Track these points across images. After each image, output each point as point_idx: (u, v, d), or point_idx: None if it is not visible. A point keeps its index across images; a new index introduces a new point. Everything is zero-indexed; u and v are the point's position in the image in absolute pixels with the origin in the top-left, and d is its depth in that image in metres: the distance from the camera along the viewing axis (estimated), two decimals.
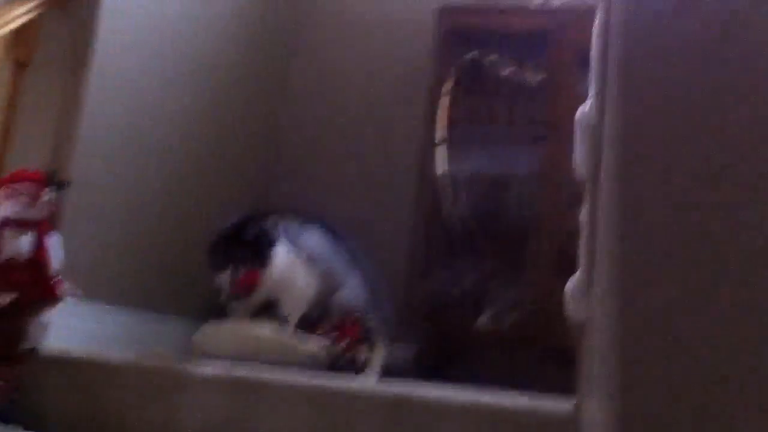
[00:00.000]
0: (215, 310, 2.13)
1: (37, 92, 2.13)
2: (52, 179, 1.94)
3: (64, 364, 1.91)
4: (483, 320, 2.71)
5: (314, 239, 2.24)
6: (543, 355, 2.61)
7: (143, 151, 2.43)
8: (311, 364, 1.97)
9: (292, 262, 2.12)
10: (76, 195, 2.09)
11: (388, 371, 2.18)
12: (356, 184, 3.06)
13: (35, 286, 1.88)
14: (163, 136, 2.52)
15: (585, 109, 1.39)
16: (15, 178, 1.92)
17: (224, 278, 2.06)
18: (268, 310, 2.11)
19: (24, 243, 1.88)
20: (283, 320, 2.08)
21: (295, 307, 2.11)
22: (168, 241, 2.55)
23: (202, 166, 2.72)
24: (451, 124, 2.85)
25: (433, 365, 2.54)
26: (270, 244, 2.09)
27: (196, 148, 2.69)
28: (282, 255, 2.11)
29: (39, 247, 1.90)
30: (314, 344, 2.02)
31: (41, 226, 1.92)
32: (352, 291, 2.19)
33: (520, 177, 2.86)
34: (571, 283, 1.45)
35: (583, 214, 1.45)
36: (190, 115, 2.64)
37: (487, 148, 2.93)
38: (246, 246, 2.07)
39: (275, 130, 3.14)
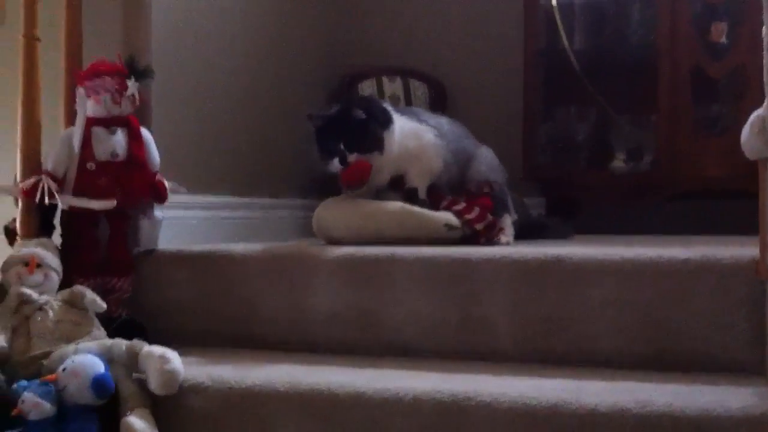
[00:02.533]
0: (329, 186, 1.97)
1: None
2: (134, 69, 1.76)
3: (184, 260, 1.83)
4: (616, 161, 2.48)
5: (436, 117, 2.02)
6: (691, 197, 2.38)
7: (223, 27, 2.23)
8: (442, 236, 1.80)
9: (415, 136, 1.91)
10: (160, 84, 1.92)
11: (524, 233, 2.01)
12: (458, 27, 2.78)
13: (139, 185, 1.76)
14: (241, 7, 2.31)
15: None
16: (94, 73, 1.75)
17: (334, 165, 1.86)
18: (395, 187, 1.92)
19: (118, 142, 1.74)
20: (410, 193, 1.90)
21: (423, 178, 1.91)
22: (264, 121, 2.40)
23: (283, 35, 2.51)
24: None
25: (568, 216, 2.35)
26: (384, 123, 1.86)
27: (276, 15, 2.47)
28: (403, 130, 1.89)
29: (134, 145, 1.76)
30: (444, 217, 1.83)
31: (131, 122, 1.77)
32: (479, 164, 1.97)
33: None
34: (754, 117, 1.21)
35: (765, 32, 1.20)
36: None
37: None
38: (356, 129, 1.85)
39: None
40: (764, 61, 1.19)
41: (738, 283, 1.41)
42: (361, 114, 1.85)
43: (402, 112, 1.95)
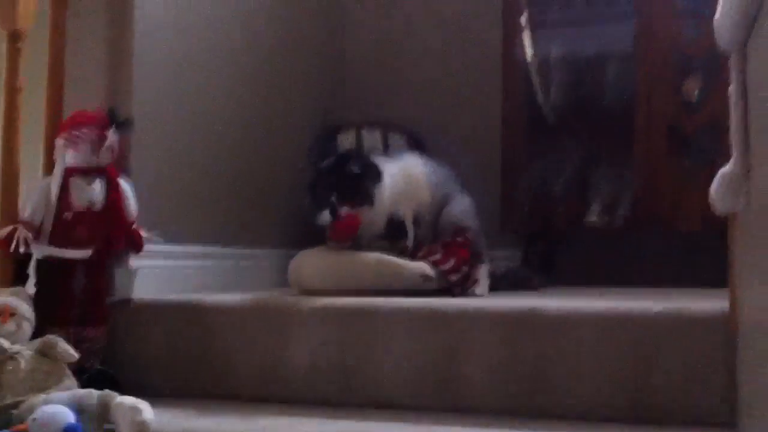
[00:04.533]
0: (308, 238, 1.97)
1: (82, 22, 1.94)
2: (114, 119, 1.78)
3: (159, 310, 1.83)
4: (592, 215, 2.50)
5: (418, 161, 2.04)
6: (663, 247, 2.40)
7: (206, 77, 2.25)
8: (418, 287, 1.81)
9: (403, 172, 1.95)
10: (141, 134, 1.93)
11: (497, 284, 2.02)
12: (437, 80, 2.82)
13: (115, 235, 1.76)
14: (226, 58, 2.33)
15: None
16: (75, 122, 1.76)
17: (325, 217, 1.87)
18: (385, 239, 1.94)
19: (96, 191, 1.74)
20: (403, 248, 1.91)
21: (408, 206, 1.94)
22: (244, 171, 2.39)
23: (270, 85, 2.53)
24: (532, 3, 2.59)
25: (541, 270, 2.36)
26: (375, 178, 1.89)
27: (262, 63, 2.50)
28: (393, 174, 1.92)
29: (112, 194, 1.77)
30: (420, 268, 1.84)
31: (110, 172, 1.77)
32: (459, 205, 1.99)
33: (615, 55, 2.60)
34: (723, 172, 1.23)
35: (732, 90, 1.23)
36: (253, 29, 2.44)
37: (574, 27, 2.67)
38: (349, 183, 1.87)
39: (342, 28, 2.91)
40: (731, 119, 1.22)
41: (710, 337, 1.42)
42: (355, 168, 1.87)
43: (389, 158, 1.98)
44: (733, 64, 1.23)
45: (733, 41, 1.19)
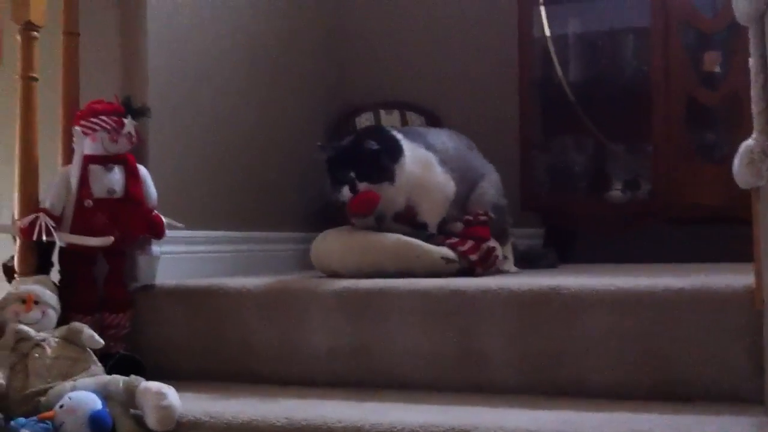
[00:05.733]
0: (330, 219, 1.97)
1: (96, 12, 1.94)
2: (130, 108, 1.78)
3: (181, 296, 1.84)
4: (613, 191, 2.48)
5: (442, 137, 2.02)
6: (687, 224, 2.38)
7: (221, 64, 2.25)
8: (439, 269, 1.80)
9: (424, 167, 1.91)
10: (157, 123, 1.93)
11: (517, 262, 2.02)
12: (453, 58, 2.80)
13: (136, 222, 1.76)
14: (238, 43, 2.33)
15: None
16: (91, 112, 1.77)
17: (344, 194, 1.86)
18: (405, 219, 1.92)
19: (115, 179, 1.75)
20: (420, 227, 1.90)
21: (433, 212, 1.92)
22: (263, 156, 2.40)
23: (282, 69, 2.53)
24: None
25: (561, 250, 2.35)
26: (394, 155, 1.86)
27: (274, 51, 2.49)
28: (413, 160, 1.89)
29: (131, 182, 1.77)
30: (441, 250, 1.83)
31: (128, 160, 1.78)
32: (487, 186, 1.98)
33: (632, 30, 2.57)
34: (745, 147, 1.22)
35: (752, 63, 1.21)
36: (262, 15, 2.43)
37: (591, 3, 2.64)
38: (368, 159, 1.84)
39: (352, 11, 2.90)
40: (752, 92, 1.20)
41: (734, 313, 1.41)
42: (373, 144, 1.85)
43: (409, 137, 1.95)
44: (752, 36, 1.22)
45: (750, 14, 1.17)
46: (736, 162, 1.25)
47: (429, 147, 1.94)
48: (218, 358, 1.77)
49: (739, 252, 1.52)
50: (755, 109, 1.19)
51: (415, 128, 2.35)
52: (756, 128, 1.19)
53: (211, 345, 1.78)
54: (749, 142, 1.20)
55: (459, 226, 1.91)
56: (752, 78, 1.20)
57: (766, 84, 1.18)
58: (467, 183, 1.96)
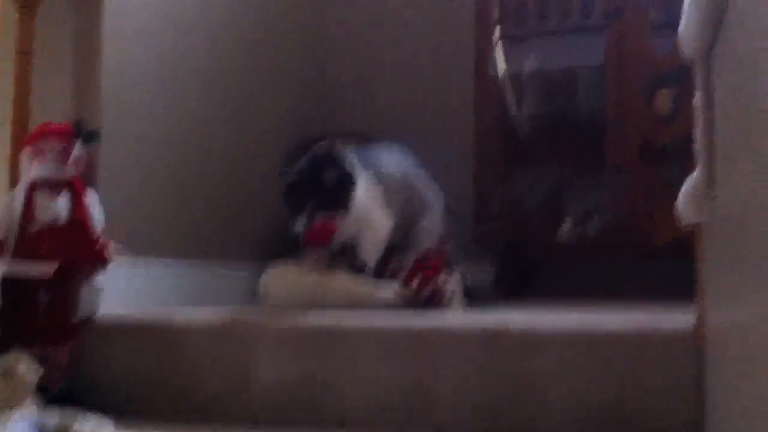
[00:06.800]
0: (280, 250, 1.95)
1: (49, 34, 1.92)
2: (80, 131, 1.75)
3: (125, 328, 1.79)
4: (564, 230, 2.49)
5: (393, 162, 2.01)
6: (640, 259, 2.40)
7: (177, 87, 2.23)
8: (390, 305, 1.79)
9: (371, 200, 1.90)
10: (110, 146, 1.90)
11: (470, 299, 2.01)
12: (409, 95, 2.82)
13: (80, 250, 1.72)
14: (198, 67, 2.31)
15: None
16: (40, 135, 1.74)
17: (300, 224, 1.83)
18: (345, 255, 1.91)
19: (60, 205, 1.71)
20: (360, 264, 1.89)
21: (374, 251, 1.90)
22: (216, 184, 2.37)
23: (244, 96, 2.51)
24: (504, 19, 2.60)
25: (514, 284, 2.35)
26: (352, 185, 1.85)
27: (236, 76, 2.48)
28: (362, 193, 1.87)
29: (77, 208, 1.74)
30: (389, 290, 1.82)
31: (75, 185, 1.75)
32: (433, 217, 1.97)
33: (587, 69, 2.61)
34: (688, 183, 1.23)
35: (697, 99, 1.22)
36: (226, 39, 2.42)
37: (546, 42, 2.68)
38: (327, 189, 1.82)
39: (321, 40, 2.91)
40: (696, 127, 1.21)
41: (679, 351, 1.41)
42: (331, 174, 1.83)
43: (363, 161, 1.93)
44: (697, 72, 1.23)
45: (697, 49, 1.19)
46: (680, 198, 1.26)
47: (378, 176, 1.93)
48: (161, 394, 1.72)
49: (690, 291, 1.52)
50: (699, 144, 1.20)
51: (368, 149, 2.34)
52: (699, 164, 1.20)
53: (154, 380, 1.73)
54: (691, 178, 1.21)
55: (409, 258, 1.91)
56: (696, 113, 1.21)
57: (709, 121, 1.19)
58: (409, 213, 1.96)
